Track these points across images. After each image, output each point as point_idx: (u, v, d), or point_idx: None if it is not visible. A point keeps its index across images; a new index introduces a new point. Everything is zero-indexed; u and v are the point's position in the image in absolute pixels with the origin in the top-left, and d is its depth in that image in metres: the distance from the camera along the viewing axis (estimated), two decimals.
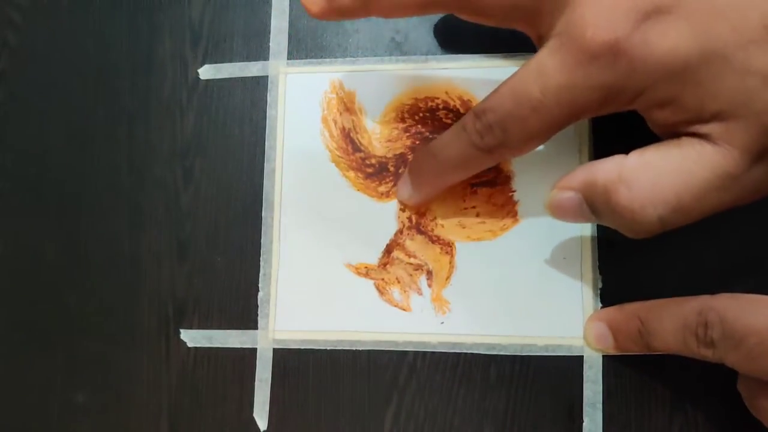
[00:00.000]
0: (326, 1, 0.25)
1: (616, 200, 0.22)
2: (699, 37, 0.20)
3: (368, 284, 0.29)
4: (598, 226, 0.28)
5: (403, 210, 0.29)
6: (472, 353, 0.28)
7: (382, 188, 0.29)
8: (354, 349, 0.29)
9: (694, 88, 0.20)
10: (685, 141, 0.21)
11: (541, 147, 0.28)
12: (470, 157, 0.24)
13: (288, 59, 0.31)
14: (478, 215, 0.29)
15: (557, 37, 0.22)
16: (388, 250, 0.29)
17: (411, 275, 0.29)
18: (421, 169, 0.27)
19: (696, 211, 0.21)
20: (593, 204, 0.23)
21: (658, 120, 0.22)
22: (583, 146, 0.28)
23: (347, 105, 0.30)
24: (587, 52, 0.21)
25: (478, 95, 0.29)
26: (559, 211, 0.24)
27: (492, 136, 0.23)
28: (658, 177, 0.21)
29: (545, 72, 0.21)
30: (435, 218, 0.29)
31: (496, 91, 0.23)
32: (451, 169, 0.26)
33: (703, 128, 0.21)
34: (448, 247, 0.29)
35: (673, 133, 0.22)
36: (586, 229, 0.28)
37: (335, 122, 0.30)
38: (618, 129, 0.28)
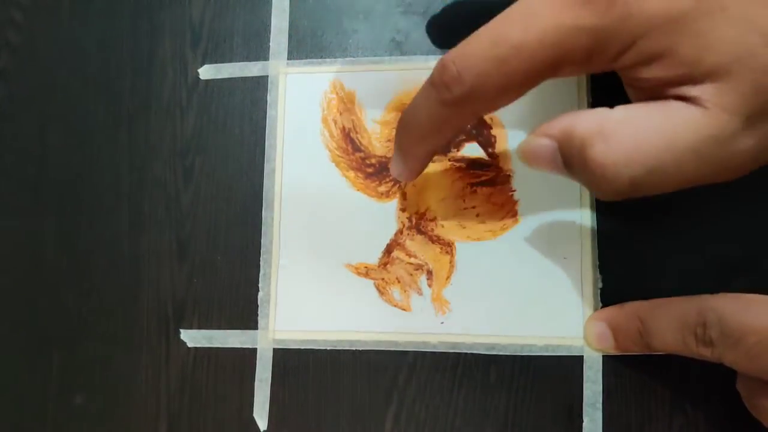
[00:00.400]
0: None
1: (589, 153, 0.20)
2: None
3: (368, 284, 0.29)
4: (598, 225, 0.28)
5: (403, 210, 0.29)
6: (472, 353, 0.28)
7: (382, 188, 0.29)
8: (354, 349, 0.29)
9: (692, 38, 0.19)
10: (673, 103, 0.20)
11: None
12: (440, 116, 0.22)
13: (288, 59, 0.31)
14: (478, 215, 0.29)
15: None
16: (388, 250, 0.29)
17: (411, 275, 0.29)
18: (401, 143, 0.25)
19: (673, 178, 0.20)
20: (567, 155, 0.21)
21: (644, 80, 0.20)
22: None
23: (347, 105, 0.30)
24: None
25: None
26: (532, 158, 0.23)
27: (460, 86, 0.21)
28: (639, 134, 0.20)
29: (531, 11, 0.20)
30: (435, 218, 0.29)
31: (470, 36, 0.21)
32: (425, 135, 0.23)
33: (693, 90, 0.19)
34: (448, 246, 0.29)
35: (658, 96, 0.20)
36: (586, 229, 0.28)
37: (335, 122, 0.30)
38: None
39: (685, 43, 0.19)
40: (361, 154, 0.30)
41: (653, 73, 0.20)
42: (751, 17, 0.18)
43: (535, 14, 0.20)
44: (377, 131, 0.30)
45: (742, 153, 0.19)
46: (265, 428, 0.29)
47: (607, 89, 0.29)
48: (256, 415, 0.29)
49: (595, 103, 0.28)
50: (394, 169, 0.26)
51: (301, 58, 0.31)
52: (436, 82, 0.21)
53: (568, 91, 0.29)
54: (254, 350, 0.29)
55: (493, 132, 0.29)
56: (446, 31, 0.30)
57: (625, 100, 0.22)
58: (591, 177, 0.21)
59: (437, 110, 0.22)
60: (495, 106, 0.22)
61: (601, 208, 0.28)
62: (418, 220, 0.29)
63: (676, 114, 0.20)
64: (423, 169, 0.26)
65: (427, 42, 0.30)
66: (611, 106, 0.21)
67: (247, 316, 0.29)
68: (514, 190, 0.29)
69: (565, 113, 0.22)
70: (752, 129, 0.19)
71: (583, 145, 0.20)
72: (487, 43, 0.20)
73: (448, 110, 0.22)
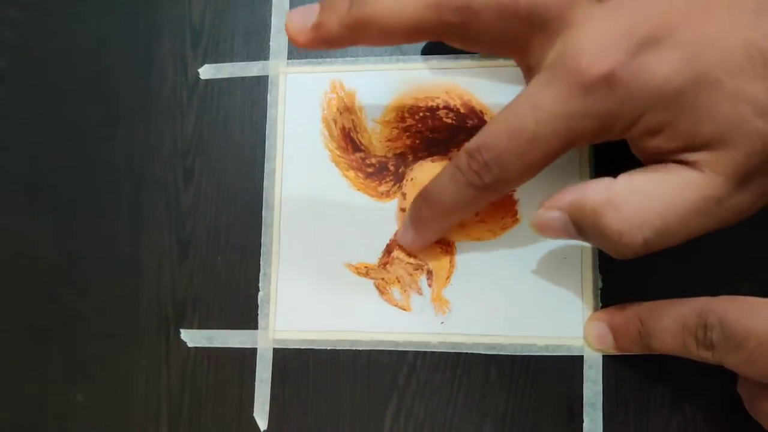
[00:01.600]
0: (312, 31, 0.25)
1: (604, 223, 0.22)
2: (692, 64, 0.20)
3: (368, 284, 0.29)
4: None
5: (403, 210, 0.29)
6: (472, 353, 0.28)
7: (382, 188, 0.29)
8: (354, 348, 0.29)
9: (689, 113, 0.21)
10: (672, 167, 0.22)
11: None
12: (469, 197, 0.24)
13: (288, 59, 0.31)
14: (478, 215, 0.29)
15: (550, 68, 0.22)
16: (388, 250, 0.29)
17: (411, 275, 0.29)
18: (421, 216, 0.27)
19: (680, 234, 0.22)
20: (580, 225, 0.23)
21: (648, 147, 0.22)
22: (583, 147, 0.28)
23: (347, 105, 0.30)
24: (583, 82, 0.21)
25: (478, 95, 0.29)
26: (545, 230, 0.24)
27: (489, 174, 0.23)
28: (645, 201, 0.22)
29: (539, 104, 0.22)
30: None
31: (487, 127, 0.23)
32: (451, 212, 0.26)
33: (691, 156, 0.21)
34: (448, 246, 0.29)
35: (662, 159, 0.22)
36: None
37: (335, 122, 0.30)
38: None
39: (683, 117, 0.21)
40: (361, 154, 0.30)
41: (656, 143, 0.22)
42: (741, 90, 0.20)
43: (544, 107, 0.22)
44: (377, 131, 0.30)
45: (739, 206, 0.21)
46: (265, 428, 0.29)
47: None
48: (256, 415, 0.29)
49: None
50: (405, 239, 0.28)
51: (301, 58, 0.31)
52: (464, 169, 0.24)
53: None
54: (254, 350, 0.29)
55: None
56: None
57: (625, 144, 0.23)
58: (608, 242, 0.22)
59: (466, 192, 0.24)
60: (520, 183, 0.24)
61: None
62: None
63: (676, 178, 0.21)
64: (435, 240, 0.28)
65: (426, 42, 0.30)
66: (612, 151, 0.23)
67: (247, 316, 0.29)
68: (515, 190, 0.29)
69: (570, 187, 0.23)
70: (746, 187, 0.21)
71: (595, 215, 0.22)
72: (505, 136, 0.22)
73: (476, 192, 0.24)
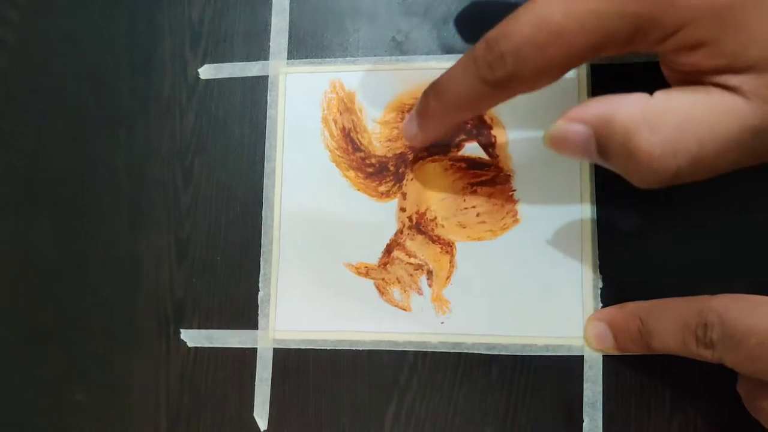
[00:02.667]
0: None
1: (636, 143, 0.20)
2: None
3: (368, 284, 0.29)
4: (598, 225, 0.28)
5: (403, 210, 0.29)
6: (472, 353, 0.28)
7: (383, 188, 0.29)
8: (354, 348, 0.29)
9: (737, 31, 0.19)
10: (713, 90, 0.20)
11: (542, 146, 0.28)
12: (480, 93, 0.22)
13: (288, 59, 0.31)
14: (478, 215, 0.29)
15: None
16: (388, 250, 0.29)
17: (411, 275, 0.29)
18: (428, 108, 0.25)
19: (714, 166, 0.20)
20: (607, 143, 0.21)
21: (684, 64, 0.20)
22: None
23: (347, 105, 0.30)
24: None
25: None
26: (562, 145, 0.22)
27: (503, 68, 0.21)
28: (684, 123, 0.19)
29: None
30: (435, 218, 0.29)
31: (512, 15, 0.21)
32: (459, 107, 0.24)
33: (734, 79, 0.19)
34: (448, 246, 0.29)
35: (697, 81, 0.20)
36: (586, 229, 0.28)
37: (335, 122, 0.30)
38: None
39: (729, 34, 0.19)
40: (361, 154, 0.30)
41: (694, 60, 0.20)
42: None
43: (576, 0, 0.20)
44: (377, 131, 0.30)
45: None
46: (265, 428, 0.29)
47: (609, 88, 0.29)
48: (256, 415, 0.29)
49: (595, 94, 0.28)
50: (409, 131, 0.26)
51: (301, 58, 0.31)
52: (479, 60, 0.21)
53: (569, 89, 0.29)
54: (254, 350, 0.29)
55: (494, 132, 0.29)
56: (451, 30, 0.30)
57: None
58: (635, 166, 0.20)
59: (476, 86, 0.22)
60: (534, 87, 0.22)
61: (601, 208, 0.28)
62: (418, 220, 0.29)
63: (718, 103, 0.19)
64: (438, 137, 0.27)
65: (427, 42, 0.30)
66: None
67: (247, 316, 0.29)
68: (515, 190, 0.29)
69: (599, 98, 0.21)
70: None
71: (627, 134, 0.20)
72: (528, 27, 0.20)
73: (487, 88, 0.22)
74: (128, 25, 0.33)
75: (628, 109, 0.20)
